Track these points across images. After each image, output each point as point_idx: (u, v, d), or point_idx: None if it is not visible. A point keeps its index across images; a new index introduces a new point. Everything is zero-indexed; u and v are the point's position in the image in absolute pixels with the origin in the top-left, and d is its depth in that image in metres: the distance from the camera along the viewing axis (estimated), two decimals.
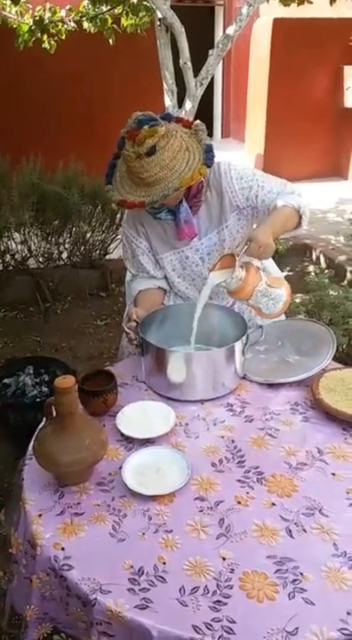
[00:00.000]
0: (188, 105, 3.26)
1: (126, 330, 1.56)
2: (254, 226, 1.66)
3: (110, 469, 1.25)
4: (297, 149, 5.99)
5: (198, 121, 1.53)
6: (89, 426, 1.22)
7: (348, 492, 1.17)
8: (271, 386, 1.54)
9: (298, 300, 2.84)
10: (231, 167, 1.64)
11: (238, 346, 1.49)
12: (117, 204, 1.48)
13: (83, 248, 3.75)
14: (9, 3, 3.61)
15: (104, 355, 3.03)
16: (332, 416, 1.38)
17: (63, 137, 5.10)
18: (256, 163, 6.00)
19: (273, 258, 1.74)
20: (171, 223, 1.68)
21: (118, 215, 3.65)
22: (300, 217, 1.60)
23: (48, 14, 3.80)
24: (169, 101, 3.35)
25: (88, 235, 3.69)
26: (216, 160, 1.56)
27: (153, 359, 1.51)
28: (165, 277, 1.81)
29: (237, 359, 1.50)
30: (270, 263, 1.71)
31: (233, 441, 1.34)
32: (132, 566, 1.02)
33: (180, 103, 3.32)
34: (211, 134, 7.77)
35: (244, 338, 1.51)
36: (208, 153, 1.46)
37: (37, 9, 3.83)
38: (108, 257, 3.86)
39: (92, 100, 5.45)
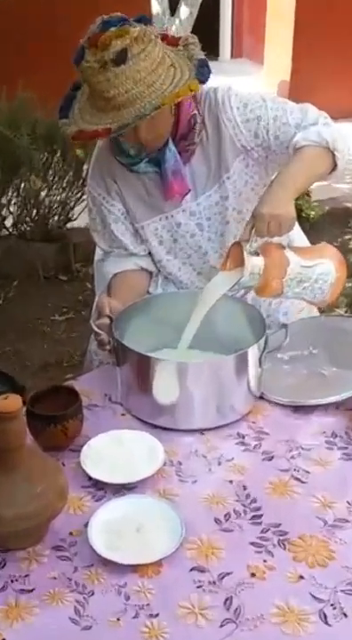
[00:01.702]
0: (183, 11, 3.26)
1: (96, 329, 1.57)
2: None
3: (72, 527, 1.26)
4: (337, 74, 6.00)
5: (188, 33, 1.54)
6: (41, 466, 1.23)
7: None
8: (299, 409, 1.56)
9: None
10: (231, 92, 1.67)
11: (253, 353, 1.49)
12: (73, 137, 1.50)
13: (35, 212, 3.74)
14: None
15: (64, 363, 3.03)
16: None
17: (7, 55, 5.06)
18: (279, 92, 6.01)
19: (302, 228, 1.76)
20: (153, 178, 1.70)
21: (85, 166, 3.64)
22: (334, 155, 1.61)
23: None
24: (158, 6, 3.34)
25: (43, 194, 3.68)
26: (214, 85, 1.59)
27: (133, 371, 1.52)
28: (150, 254, 1.83)
29: (252, 371, 1.51)
30: (298, 235, 1.72)
31: (245, 487, 1.34)
32: None
33: (173, 10, 3.31)
34: (216, 53, 7.77)
35: (262, 342, 1.51)
36: (202, 68, 1.49)
37: None
38: (70, 225, 3.86)
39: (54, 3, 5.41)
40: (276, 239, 1.53)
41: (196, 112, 1.65)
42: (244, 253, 1.45)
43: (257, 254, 1.48)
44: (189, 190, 1.70)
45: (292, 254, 1.50)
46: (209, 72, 1.49)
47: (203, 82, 1.48)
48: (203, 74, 1.48)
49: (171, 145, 1.64)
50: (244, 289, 1.62)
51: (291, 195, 1.52)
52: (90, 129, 1.47)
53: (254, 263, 1.45)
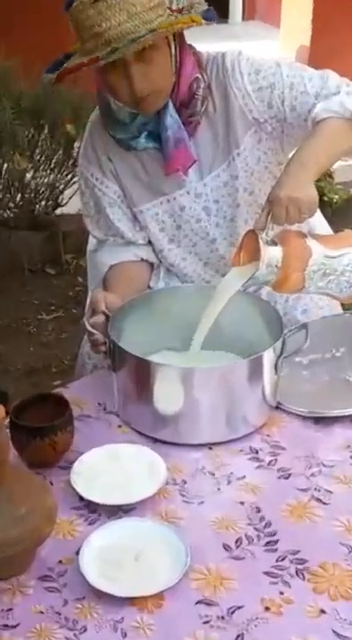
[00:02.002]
0: None
1: (89, 328, 1.57)
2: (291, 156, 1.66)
3: (61, 555, 1.25)
4: None
5: None
6: (26, 485, 1.23)
7: None
8: (320, 420, 1.56)
9: None
10: (241, 57, 1.67)
11: (269, 356, 1.49)
12: (56, 79, 1.53)
13: (19, 196, 3.75)
14: None
15: (52, 368, 3.04)
16: None
17: None
18: (297, 58, 5.99)
19: (323, 214, 1.76)
20: (153, 155, 1.71)
21: (76, 144, 3.64)
22: None
23: None
24: None
25: (28, 175, 3.69)
26: (222, 49, 1.60)
27: (131, 377, 1.53)
28: (150, 243, 1.83)
29: (267, 378, 1.51)
30: (319, 222, 1.72)
31: (258, 509, 1.34)
32: None
33: None
34: (226, 15, 7.78)
35: (279, 344, 1.51)
36: (207, 12, 1.54)
37: None
38: (59, 211, 3.87)
39: None
40: (295, 226, 1.53)
41: (199, 76, 1.65)
42: (260, 243, 1.45)
43: (274, 244, 1.47)
44: (195, 161, 1.69)
45: (315, 243, 1.49)
46: (214, 16, 1.53)
47: (208, 20, 1.51)
48: (208, 14, 1.52)
49: (172, 110, 1.64)
50: (260, 284, 1.61)
51: (311, 175, 1.53)
52: (73, 64, 1.50)
53: (271, 254, 1.45)
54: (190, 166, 1.69)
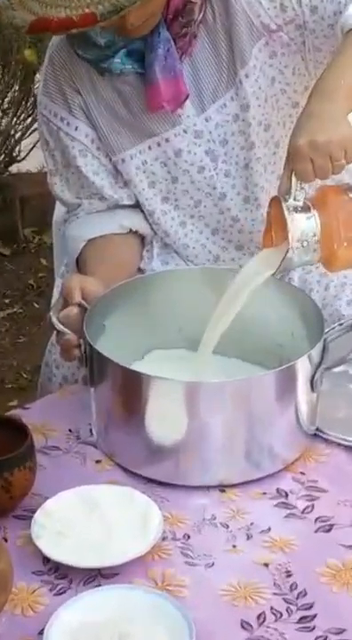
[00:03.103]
0: None
1: (58, 326, 1.57)
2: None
3: (20, 635, 1.24)
4: None
5: None
6: None
7: None
8: None
9: None
10: None
11: (304, 366, 1.49)
12: (29, 30, 1.53)
13: None
14: None
15: (7, 383, 3.07)
16: None
17: None
18: None
19: None
20: (134, 82, 1.72)
21: (38, 75, 3.63)
22: None
23: None
24: None
25: None
26: None
27: (115, 394, 1.53)
28: (139, 208, 1.84)
29: (302, 395, 1.51)
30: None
31: (289, 573, 1.34)
32: None
33: None
34: None
35: (318, 349, 1.51)
36: None
37: None
38: (16, 168, 3.87)
39: None
40: (330, 180, 1.54)
41: None
42: (285, 213, 1.46)
43: (308, 210, 1.48)
44: (187, 96, 1.71)
45: None
46: None
47: None
48: None
49: (161, 25, 1.66)
50: (300, 266, 1.62)
51: (342, 108, 1.51)
52: (53, 15, 1.48)
53: (304, 225, 1.46)
54: (183, 103, 1.72)
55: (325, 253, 1.48)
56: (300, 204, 1.48)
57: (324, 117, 1.50)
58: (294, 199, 1.48)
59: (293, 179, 1.49)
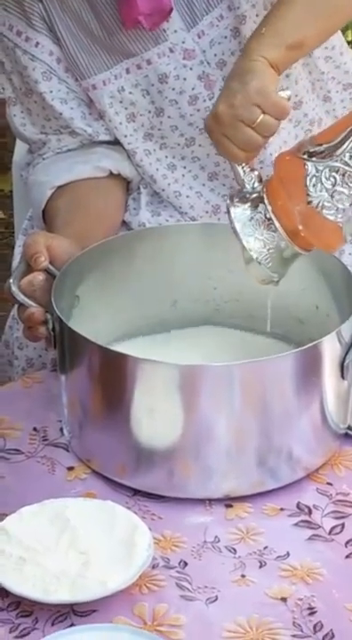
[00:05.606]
0: None
1: (20, 297, 1.49)
2: None
3: None
4: None
5: None
6: None
7: None
8: None
9: None
10: None
11: (332, 347, 1.40)
12: None
13: None
14: None
15: None
16: None
17: None
18: None
19: None
20: None
21: None
22: None
23: None
24: None
25: None
26: None
27: (92, 382, 1.45)
28: (120, 144, 1.80)
29: (329, 384, 1.43)
30: None
31: (312, 610, 1.24)
32: None
33: None
34: None
35: (350, 323, 1.41)
36: None
37: None
38: None
39: None
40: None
41: None
42: (239, 235, 1.40)
43: (258, 202, 1.42)
44: (171, 10, 1.63)
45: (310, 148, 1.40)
46: None
47: None
48: None
49: None
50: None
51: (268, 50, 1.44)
52: None
53: (258, 242, 1.40)
54: (165, 18, 1.65)
55: (291, 238, 1.43)
56: (255, 193, 1.43)
57: (240, 73, 1.47)
58: (253, 187, 1.44)
59: (239, 167, 1.47)
